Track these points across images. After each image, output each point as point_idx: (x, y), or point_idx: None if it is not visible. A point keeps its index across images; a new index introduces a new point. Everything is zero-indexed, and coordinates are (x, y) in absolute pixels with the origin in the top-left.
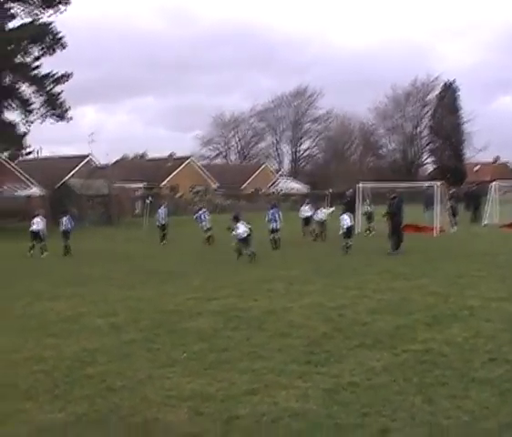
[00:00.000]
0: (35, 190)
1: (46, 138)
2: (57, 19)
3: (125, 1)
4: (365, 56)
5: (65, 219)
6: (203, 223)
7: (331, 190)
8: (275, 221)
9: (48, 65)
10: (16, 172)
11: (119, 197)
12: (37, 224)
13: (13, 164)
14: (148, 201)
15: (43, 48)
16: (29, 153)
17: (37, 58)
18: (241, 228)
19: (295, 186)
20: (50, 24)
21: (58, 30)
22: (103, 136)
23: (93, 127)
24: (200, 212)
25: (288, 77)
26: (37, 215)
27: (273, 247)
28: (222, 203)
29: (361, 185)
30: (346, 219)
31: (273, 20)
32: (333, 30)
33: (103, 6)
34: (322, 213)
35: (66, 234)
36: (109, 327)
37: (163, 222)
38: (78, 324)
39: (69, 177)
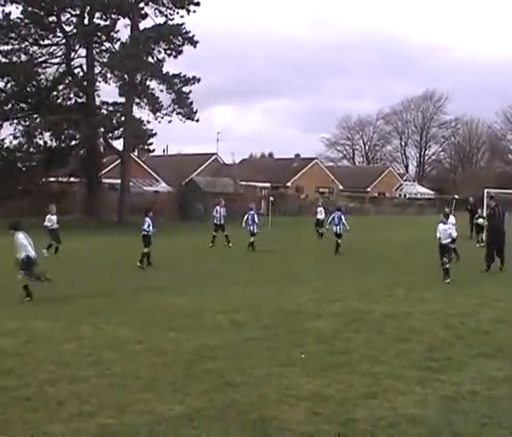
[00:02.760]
0: (162, 186)
1: (179, 137)
2: (200, 23)
3: (265, 7)
4: (494, 63)
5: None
6: (250, 227)
7: (456, 196)
8: (338, 225)
9: (187, 65)
10: (145, 168)
11: (244, 195)
12: None
13: (141, 160)
14: (271, 200)
15: (172, 47)
16: (152, 150)
17: (165, 58)
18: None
19: (420, 190)
20: (181, 24)
21: (188, 29)
22: (235, 135)
23: (226, 127)
24: (250, 213)
25: (419, 84)
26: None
27: (335, 251)
28: (347, 205)
29: (486, 191)
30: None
31: (407, 29)
32: (463, 39)
33: (245, 12)
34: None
35: (145, 238)
36: (230, 323)
37: (219, 222)
38: (200, 320)
39: (196, 175)
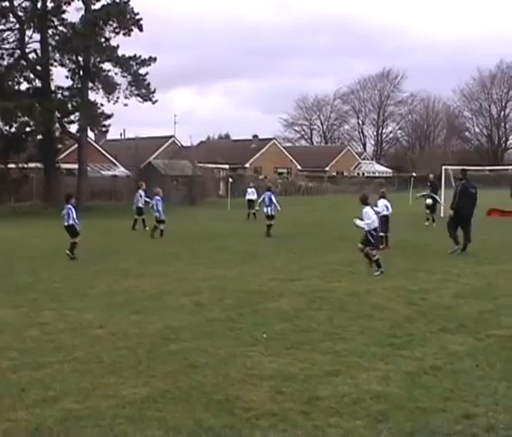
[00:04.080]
0: (120, 170)
1: (137, 121)
2: (157, 6)
3: None
4: (449, 44)
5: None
6: (156, 214)
7: (414, 174)
8: (269, 206)
9: (144, 48)
10: (102, 152)
11: (203, 177)
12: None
13: (98, 144)
14: (230, 182)
15: (122, 28)
16: (107, 131)
17: (113, 36)
18: None
19: (378, 168)
20: (127, 2)
21: (136, 11)
22: (195, 118)
23: (186, 110)
24: (156, 198)
25: (376, 64)
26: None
27: (266, 233)
28: (306, 185)
29: (444, 168)
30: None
31: (363, 11)
32: (418, 21)
33: None
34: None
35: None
36: (193, 305)
37: (140, 206)
38: (162, 302)
39: (154, 158)
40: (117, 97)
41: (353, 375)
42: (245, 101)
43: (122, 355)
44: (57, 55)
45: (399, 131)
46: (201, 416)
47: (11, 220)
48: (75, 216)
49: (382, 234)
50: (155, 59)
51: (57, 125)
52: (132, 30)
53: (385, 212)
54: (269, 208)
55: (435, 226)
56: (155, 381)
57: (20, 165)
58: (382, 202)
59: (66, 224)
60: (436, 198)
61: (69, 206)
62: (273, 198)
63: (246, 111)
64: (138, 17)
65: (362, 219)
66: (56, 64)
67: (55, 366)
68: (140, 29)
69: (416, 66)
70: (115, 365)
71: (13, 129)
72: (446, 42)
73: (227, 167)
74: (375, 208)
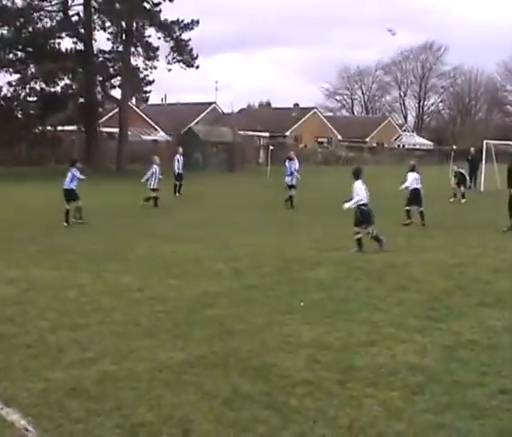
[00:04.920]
0: (161, 135)
1: (178, 86)
2: None
3: None
4: (493, 19)
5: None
6: (149, 181)
7: (455, 147)
8: (290, 176)
9: (187, 13)
10: (143, 117)
11: (243, 144)
12: None
13: (139, 109)
14: (270, 149)
15: None
16: (147, 98)
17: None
18: None
19: (419, 141)
20: None
21: None
22: (237, 85)
23: (227, 77)
24: (154, 167)
25: (420, 36)
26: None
27: (287, 206)
28: (346, 155)
29: (485, 142)
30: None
31: None
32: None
33: None
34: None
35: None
36: (231, 271)
37: (179, 171)
38: (200, 267)
39: (194, 124)
40: (156, 63)
41: (389, 346)
42: (287, 70)
43: (159, 319)
44: (100, 17)
45: (441, 104)
46: (237, 382)
47: (51, 182)
48: (71, 180)
49: (418, 209)
50: (198, 22)
51: (99, 88)
52: None
53: (415, 186)
54: (290, 178)
55: (465, 201)
56: (192, 346)
57: (59, 127)
58: (411, 175)
59: (65, 187)
60: (465, 174)
61: (74, 169)
62: (293, 167)
63: (288, 80)
64: None
65: (351, 199)
66: (98, 27)
67: (93, 328)
68: None
69: (459, 40)
70: (152, 328)
71: (53, 90)
72: (490, 20)
73: (267, 134)
74: (408, 181)
